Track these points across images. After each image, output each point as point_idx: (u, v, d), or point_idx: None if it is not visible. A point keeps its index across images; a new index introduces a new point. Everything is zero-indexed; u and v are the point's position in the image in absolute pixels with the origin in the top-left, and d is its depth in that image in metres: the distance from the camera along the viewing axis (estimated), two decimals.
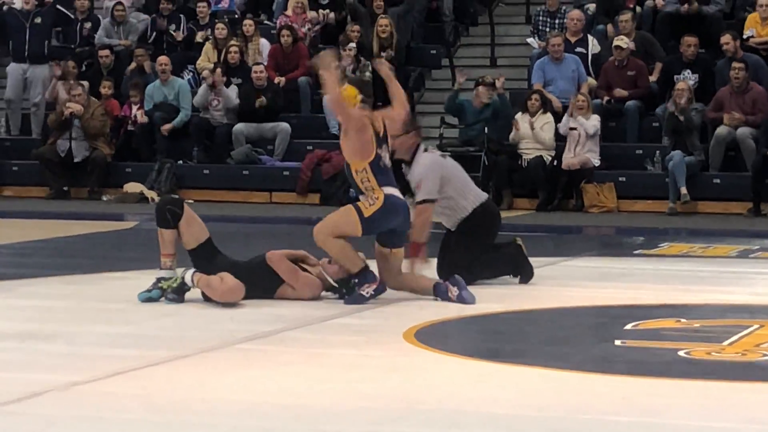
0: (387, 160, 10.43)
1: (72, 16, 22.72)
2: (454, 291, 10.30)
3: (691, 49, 19.73)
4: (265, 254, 10.38)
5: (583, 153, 18.88)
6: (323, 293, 10.42)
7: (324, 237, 10.32)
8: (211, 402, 6.91)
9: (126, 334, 8.91)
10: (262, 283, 10.26)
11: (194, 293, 10.23)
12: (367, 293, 10.25)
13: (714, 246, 14.55)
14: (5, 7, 22.81)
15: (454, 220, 11.41)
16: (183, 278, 10.12)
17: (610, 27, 20.64)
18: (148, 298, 10.11)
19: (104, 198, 20.39)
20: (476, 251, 11.42)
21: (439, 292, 10.37)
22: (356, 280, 10.30)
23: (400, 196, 10.49)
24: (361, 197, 10.37)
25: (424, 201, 11.15)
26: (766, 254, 14.02)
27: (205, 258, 10.28)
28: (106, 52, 22.11)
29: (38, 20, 22.13)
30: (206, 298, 10.12)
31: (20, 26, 22.17)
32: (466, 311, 9.98)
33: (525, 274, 11.46)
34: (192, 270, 10.12)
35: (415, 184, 11.25)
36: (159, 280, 10.15)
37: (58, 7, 22.70)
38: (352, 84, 10.72)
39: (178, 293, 10.09)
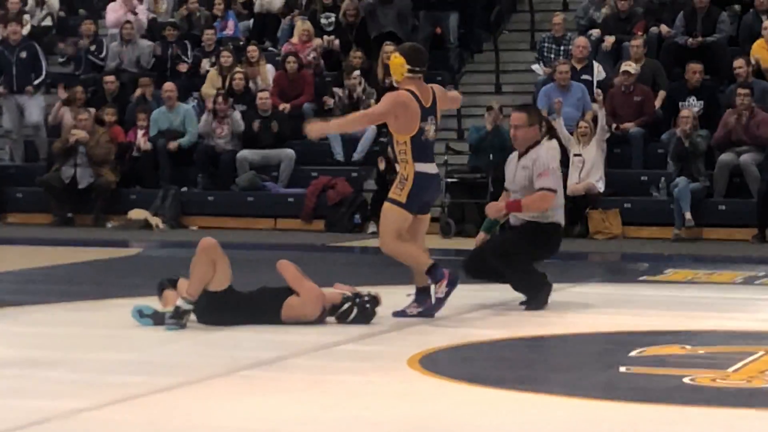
0: (430, 134, 10.57)
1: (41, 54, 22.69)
2: (442, 289, 10.39)
3: (696, 76, 19.77)
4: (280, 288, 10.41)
5: (588, 179, 18.90)
6: (327, 319, 10.44)
7: (390, 245, 10.52)
8: (216, 429, 6.92)
9: (131, 360, 8.92)
10: (266, 305, 10.23)
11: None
12: (442, 293, 10.38)
13: (718, 272, 14.54)
14: None
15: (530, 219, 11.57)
16: (177, 304, 10.16)
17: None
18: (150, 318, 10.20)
19: (109, 225, 20.39)
20: (525, 253, 11.50)
21: (433, 276, 10.42)
22: (429, 281, 10.48)
23: (431, 170, 10.66)
24: (397, 166, 10.76)
25: (549, 189, 11.35)
26: None
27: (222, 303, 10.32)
28: (112, 78, 22.17)
29: (23, 54, 22.17)
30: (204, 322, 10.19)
31: (7, 60, 22.25)
32: (469, 338, 9.98)
33: (536, 304, 11.49)
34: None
35: (538, 173, 11.34)
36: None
37: (33, 42, 22.66)
38: (400, 52, 10.73)
39: (177, 318, 10.11)
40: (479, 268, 11.62)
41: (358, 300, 10.38)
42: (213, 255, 10.19)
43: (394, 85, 10.89)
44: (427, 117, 10.52)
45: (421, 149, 10.53)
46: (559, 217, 11.65)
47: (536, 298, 11.48)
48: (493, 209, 11.65)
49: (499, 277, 11.55)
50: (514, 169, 11.58)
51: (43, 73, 22.30)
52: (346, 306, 10.36)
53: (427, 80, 10.84)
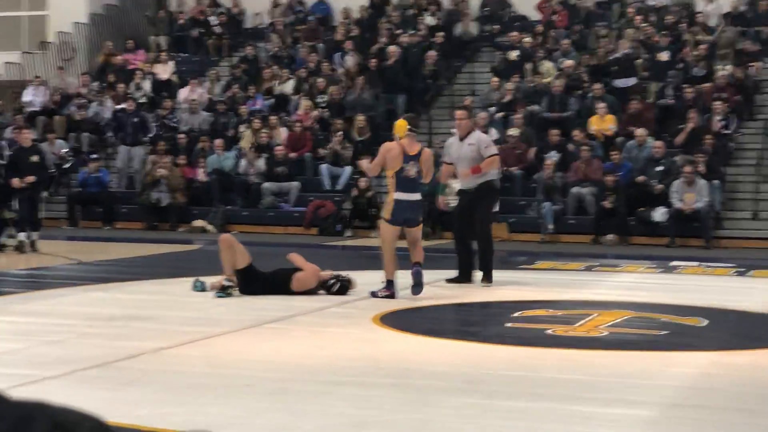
0: (411, 173, 10.30)
1: (150, 117, 22.76)
2: (382, 294, 10.21)
3: (555, 138, 19.85)
4: (290, 268, 10.46)
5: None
6: (319, 292, 10.46)
7: (383, 246, 10.35)
8: (250, 361, 6.94)
9: (194, 317, 8.93)
10: (282, 279, 10.30)
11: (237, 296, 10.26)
12: (381, 296, 10.16)
13: (570, 263, 14.63)
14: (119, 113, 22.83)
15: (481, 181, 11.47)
16: (222, 283, 10.18)
17: None
18: (201, 289, 10.22)
19: (180, 230, 20.35)
20: (489, 227, 11.61)
21: (386, 286, 10.28)
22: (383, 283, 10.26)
23: (409, 198, 10.30)
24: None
25: (496, 154, 11.51)
26: (603, 268, 14.09)
27: (246, 274, 10.33)
28: (182, 135, 22.16)
29: (136, 119, 22.21)
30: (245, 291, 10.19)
31: (124, 123, 22.25)
32: (413, 304, 10.01)
33: (488, 279, 11.50)
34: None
35: (485, 146, 11.38)
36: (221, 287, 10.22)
37: (142, 112, 22.74)
38: (404, 119, 10.65)
39: (223, 291, 10.14)
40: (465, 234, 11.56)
41: (340, 278, 10.45)
42: (229, 243, 10.35)
43: (394, 139, 10.56)
44: (409, 161, 10.31)
45: (402, 182, 10.31)
46: (497, 176, 11.75)
47: (487, 275, 11.49)
48: (464, 174, 11.35)
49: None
50: (459, 148, 11.39)
51: (152, 133, 22.42)
52: (331, 281, 10.43)
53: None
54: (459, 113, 11.76)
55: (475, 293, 10.77)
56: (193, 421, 5.13)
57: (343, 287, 10.42)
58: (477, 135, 11.63)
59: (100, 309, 9.28)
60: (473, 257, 11.61)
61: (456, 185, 11.77)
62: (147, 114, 22.83)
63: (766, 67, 21.88)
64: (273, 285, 10.26)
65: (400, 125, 10.47)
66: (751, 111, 20.90)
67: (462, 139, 11.48)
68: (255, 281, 10.27)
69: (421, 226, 10.59)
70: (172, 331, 8.02)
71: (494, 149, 11.61)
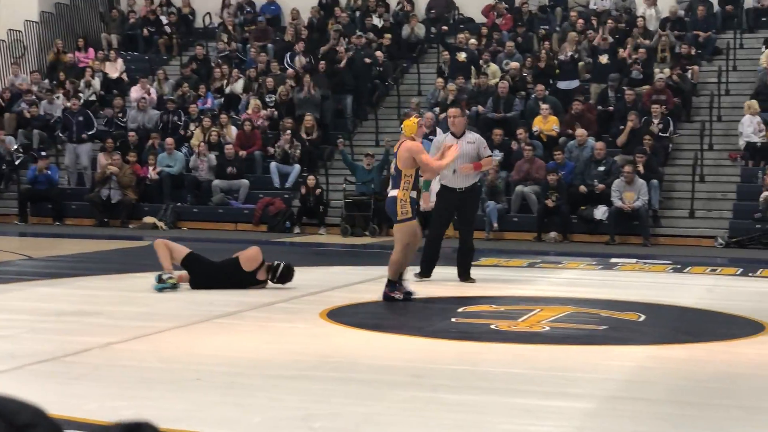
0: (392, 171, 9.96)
1: (93, 116, 22.53)
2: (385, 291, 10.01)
3: (499, 138, 19.94)
4: (235, 255, 10.55)
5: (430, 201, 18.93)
6: (270, 285, 10.50)
7: (411, 246, 9.98)
8: (199, 355, 6.91)
9: (144, 312, 8.88)
10: (229, 263, 10.46)
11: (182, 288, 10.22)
12: (398, 296, 9.85)
13: (513, 259, 14.71)
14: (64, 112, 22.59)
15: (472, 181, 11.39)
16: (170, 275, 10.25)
17: None
18: (160, 288, 10.15)
19: (130, 226, 20.20)
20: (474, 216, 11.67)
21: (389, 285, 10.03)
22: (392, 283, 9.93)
23: (413, 195, 9.83)
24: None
25: (491, 155, 11.52)
26: (546, 265, 14.19)
27: (192, 263, 10.41)
28: (133, 133, 22.02)
29: (81, 118, 22.00)
30: (193, 286, 10.19)
31: (70, 122, 22.03)
32: (360, 299, 10.01)
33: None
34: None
35: (484, 146, 11.35)
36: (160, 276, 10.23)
37: (87, 110, 22.51)
38: (415, 117, 10.28)
39: (162, 282, 10.21)
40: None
41: (284, 263, 10.56)
42: (162, 243, 10.52)
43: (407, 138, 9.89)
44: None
45: (416, 181, 9.94)
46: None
47: (469, 273, 11.50)
48: (465, 169, 11.09)
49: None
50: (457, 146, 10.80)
51: (94, 130, 22.21)
52: (276, 264, 10.54)
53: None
54: (453, 111, 11.43)
55: (421, 289, 10.79)
56: (142, 415, 5.10)
57: (287, 268, 10.52)
58: (474, 134, 11.63)
59: (49, 304, 9.19)
60: (439, 255, 11.61)
61: (436, 185, 11.66)
62: (90, 112, 22.60)
63: (703, 70, 22.17)
64: (222, 269, 10.35)
65: (410, 124, 9.93)
66: (688, 113, 21.16)
67: (459, 136, 11.25)
68: (201, 266, 10.37)
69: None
70: (122, 326, 7.96)
71: (489, 150, 11.69)
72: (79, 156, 21.97)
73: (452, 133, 11.35)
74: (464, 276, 11.52)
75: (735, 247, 17.51)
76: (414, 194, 9.94)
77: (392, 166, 10.10)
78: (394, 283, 9.94)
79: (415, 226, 9.93)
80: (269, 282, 10.53)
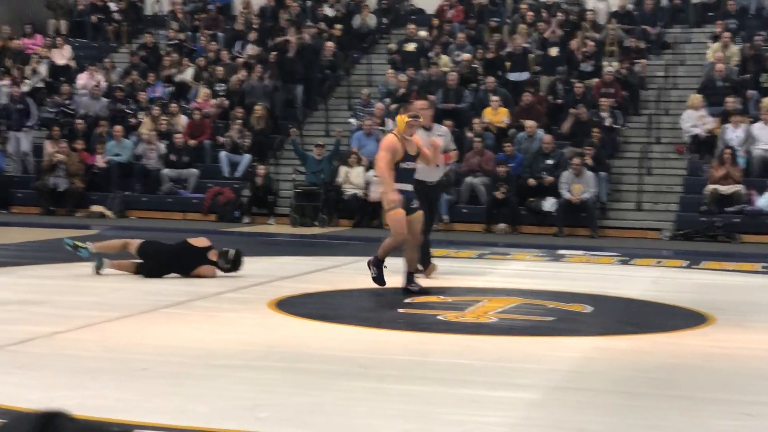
0: (407, 165, 9.97)
1: (33, 103, 22.30)
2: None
3: (449, 128, 19.87)
4: (185, 239, 10.76)
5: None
6: (219, 274, 10.51)
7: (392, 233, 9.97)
8: (146, 345, 6.86)
9: (91, 301, 8.80)
10: (181, 244, 10.62)
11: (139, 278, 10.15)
12: (413, 288, 9.81)
13: (462, 250, 14.76)
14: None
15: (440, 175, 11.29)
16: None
17: None
18: (71, 245, 10.81)
19: (77, 215, 20.01)
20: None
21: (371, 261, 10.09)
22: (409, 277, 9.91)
23: (405, 188, 9.90)
24: None
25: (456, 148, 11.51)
26: (494, 256, 14.26)
27: (145, 247, 10.59)
28: (81, 121, 21.79)
29: (20, 106, 21.77)
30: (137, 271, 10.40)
31: (10, 110, 21.78)
32: (308, 289, 10.00)
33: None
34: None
35: (451, 138, 11.37)
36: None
37: (26, 98, 22.28)
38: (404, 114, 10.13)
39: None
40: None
41: (234, 249, 10.67)
42: (121, 241, 10.79)
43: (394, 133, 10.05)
44: (407, 160, 9.98)
45: (400, 174, 9.93)
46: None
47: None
48: (442, 160, 11.03)
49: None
50: (426, 139, 10.64)
51: (33, 118, 21.99)
52: (226, 249, 10.62)
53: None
54: (422, 104, 11.11)
55: (368, 280, 10.79)
56: (86, 405, 5.06)
57: (238, 254, 10.58)
58: (442, 126, 11.61)
59: None
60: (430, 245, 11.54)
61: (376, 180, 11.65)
62: (33, 100, 22.34)
63: (651, 64, 22.37)
64: (174, 249, 10.53)
65: (400, 119, 9.92)
66: (636, 106, 21.35)
67: (428, 129, 11.09)
68: (153, 247, 10.55)
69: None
70: (67, 316, 7.89)
71: (454, 144, 11.73)
72: (20, 142, 21.71)
73: (422, 127, 11.17)
74: (425, 265, 11.49)
75: (681, 240, 17.70)
76: (408, 187, 9.95)
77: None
78: (411, 275, 9.95)
79: (398, 216, 9.85)
80: (220, 268, 10.51)
